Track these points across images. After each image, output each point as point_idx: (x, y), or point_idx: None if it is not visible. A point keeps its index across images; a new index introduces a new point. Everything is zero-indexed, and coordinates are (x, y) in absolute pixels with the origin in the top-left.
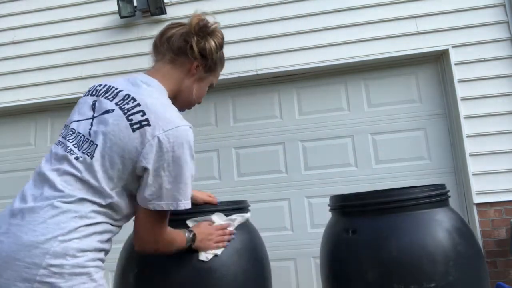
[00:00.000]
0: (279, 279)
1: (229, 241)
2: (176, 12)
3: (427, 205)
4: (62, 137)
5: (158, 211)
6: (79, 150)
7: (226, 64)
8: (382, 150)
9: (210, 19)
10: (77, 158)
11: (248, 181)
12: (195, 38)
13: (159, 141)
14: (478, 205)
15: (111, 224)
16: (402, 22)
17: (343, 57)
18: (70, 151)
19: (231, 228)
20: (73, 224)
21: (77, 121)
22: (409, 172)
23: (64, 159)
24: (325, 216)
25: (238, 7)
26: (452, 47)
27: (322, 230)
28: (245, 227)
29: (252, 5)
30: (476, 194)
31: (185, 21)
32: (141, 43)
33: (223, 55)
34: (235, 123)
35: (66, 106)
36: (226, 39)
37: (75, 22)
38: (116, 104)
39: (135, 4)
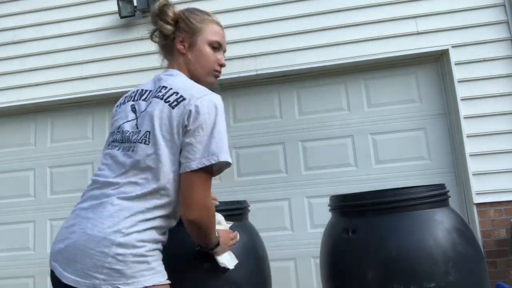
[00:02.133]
0: (279, 279)
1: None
2: None
3: (427, 205)
4: (112, 141)
5: (202, 171)
6: (132, 142)
7: (226, 64)
8: (382, 150)
9: (155, 4)
10: (132, 150)
11: (248, 181)
12: (157, 25)
13: (196, 106)
14: (478, 205)
15: (165, 217)
16: (402, 22)
17: (343, 57)
18: (125, 147)
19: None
20: (134, 219)
21: (123, 123)
22: (409, 172)
23: (120, 159)
24: (325, 216)
25: (238, 7)
26: (452, 47)
27: (322, 230)
28: (245, 227)
29: (252, 5)
30: (476, 194)
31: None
32: (141, 43)
33: (198, 15)
34: (236, 123)
35: (66, 106)
36: (226, 39)
37: (75, 22)
38: (152, 97)
39: (135, 4)
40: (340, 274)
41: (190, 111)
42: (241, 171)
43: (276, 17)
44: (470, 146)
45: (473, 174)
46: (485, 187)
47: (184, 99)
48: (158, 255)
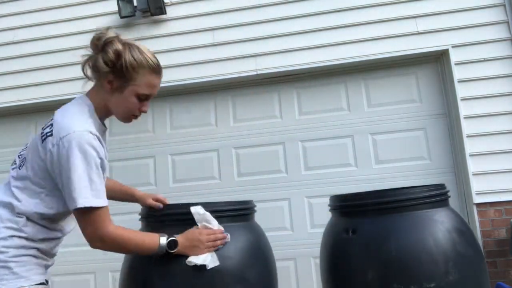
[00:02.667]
0: (279, 279)
1: (222, 244)
2: (176, 12)
3: (427, 205)
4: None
5: (82, 211)
6: (17, 166)
7: (226, 64)
8: (382, 150)
9: (109, 33)
10: (14, 169)
11: (248, 181)
12: (94, 56)
13: (57, 147)
14: (478, 205)
15: (38, 226)
16: (402, 22)
17: (343, 57)
18: (13, 169)
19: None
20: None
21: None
22: (409, 172)
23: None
24: (325, 216)
25: (238, 7)
26: (452, 47)
27: (322, 230)
28: (252, 227)
29: (252, 5)
30: (476, 194)
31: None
32: (141, 43)
33: (138, 61)
34: (235, 123)
35: None
36: (226, 39)
37: (75, 22)
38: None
39: (135, 4)
40: (340, 274)
41: (52, 152)
42: (241, 171)
43: (276, 17)
44: (470, 146)
45: (473, 174)
46: (485, 187)
47: (51, 135)
48: (27, 261)
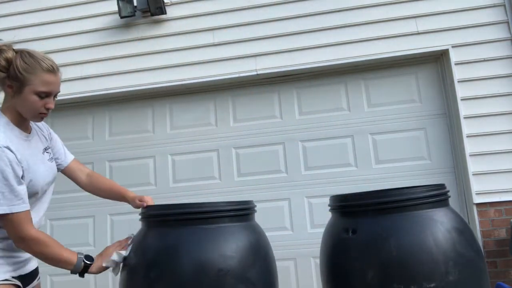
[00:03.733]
0: (279, 279)
1: (127, 242)
2: (176, 12)
3: (427, 205)
4: None
5: (3, 216)
6: None
7: (226, 64)
8: (382, 150)
9: (1, 45)
10: None
11: (248, 181)
12: None
13: None
14: (478, 205)
15: None
16: (402, 22)
17: (343, 57)
18: None
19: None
20: None
21: None
22: (409, 172)
23: None
24: (325, 216)
25: (238, 7)
26: (452, 47)
27: (322, 230)
28: (253, 228)
29: (252, 5)
30: (476, 194)
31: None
32: (141, 43)
33: (29, 64)
34: (235, 123)
35: (66, 106)
36: (226, 39)
37: (75, 22)
38: None
39: (135, 4)
40: (340, 274)
41: None
42: (241, 171)
43: (276, 17)
44: (470, 146)
45: (473, 174)
46: (485, 187)
47: None
48: None
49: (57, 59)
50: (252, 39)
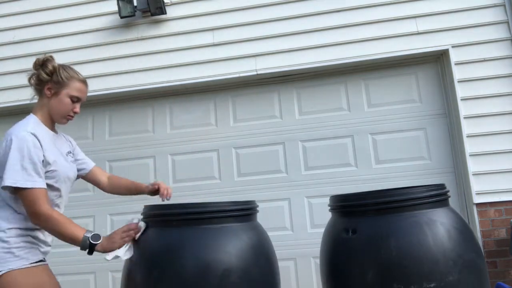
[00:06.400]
0: None
1: (136, 233)
2: (176, 12)
3: (427, 205)
4: None
5: (19, 189)
6: None
7: (226, 64)
8: (382, 150)
9: (47, 56)
10: None
11: (248, 181)
12: (37, 71)
13: (4, 141)
14: (478, 205)
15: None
16: (402, 22)
17: (343, 57)
18: None
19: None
20: None
21: None
22: (409, 172)
23: None
24: (325, 216)
25: (238, 7)
26: (452, 47)
27: (322, 230)
28: (255, 227)
29: (252, 5)
30: (476, 194)
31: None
32: (141, 43)
33: (69, 73)
34: (235, 123)
35: None
36: (226, 39)
37: (75, 22)
38: None
39: (135, 4)
40: (340, 274)
41: (2, 147)
42: (241, 171)
43: (276, 17)
44: (470, 146)
45: (473, 174)
46: (485, 187)
47: (4, 136)
48: (25, 246)
49: (57, 59)
50: (252, 39)
